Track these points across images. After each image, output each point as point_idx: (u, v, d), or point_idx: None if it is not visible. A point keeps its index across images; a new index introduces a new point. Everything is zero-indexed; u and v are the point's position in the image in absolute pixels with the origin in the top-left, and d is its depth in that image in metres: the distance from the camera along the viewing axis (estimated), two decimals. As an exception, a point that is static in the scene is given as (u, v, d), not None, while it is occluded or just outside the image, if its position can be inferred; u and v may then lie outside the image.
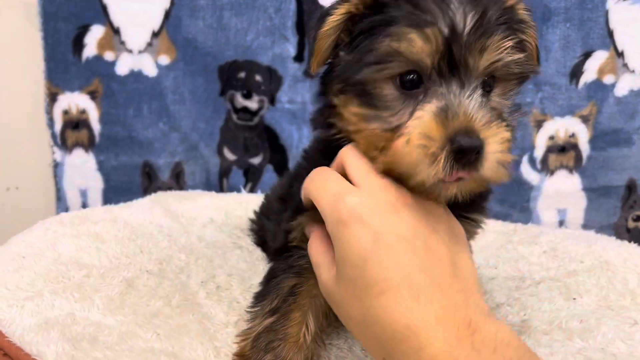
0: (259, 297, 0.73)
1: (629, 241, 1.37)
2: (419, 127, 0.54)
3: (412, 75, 0.57)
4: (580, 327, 0.78)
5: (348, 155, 0.61)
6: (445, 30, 0.55)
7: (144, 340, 0.72)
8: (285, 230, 0.72)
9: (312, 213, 0.64)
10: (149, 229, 1.02)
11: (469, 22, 0.55)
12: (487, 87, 0.60)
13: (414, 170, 0.54)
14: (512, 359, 0.47)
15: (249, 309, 0.73)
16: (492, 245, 1.13)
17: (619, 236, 1.46)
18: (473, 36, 0.55)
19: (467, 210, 0.67)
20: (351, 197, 0.56)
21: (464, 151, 0.52)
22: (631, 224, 1.46)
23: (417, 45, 0.55)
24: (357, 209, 0.55)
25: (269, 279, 0.73)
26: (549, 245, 1.08)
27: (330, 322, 0.73)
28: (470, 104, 0.55)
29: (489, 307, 0.55)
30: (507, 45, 0.57)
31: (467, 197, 0.58)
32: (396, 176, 0.58)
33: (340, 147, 0.63)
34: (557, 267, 0.99)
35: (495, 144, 0.54)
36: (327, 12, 0.61)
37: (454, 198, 0.57)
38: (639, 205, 1.44)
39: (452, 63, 0.56)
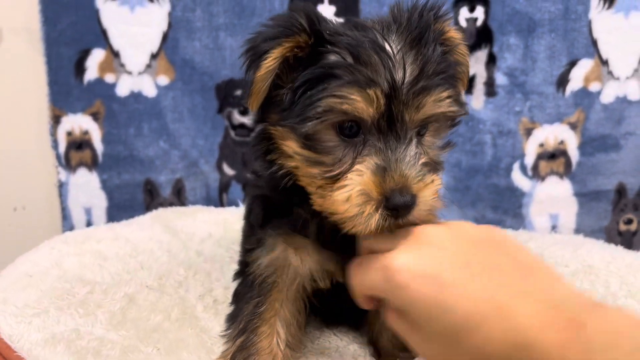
0: (229, 320, 0.78)
1: (621, 244, 1.41)
2: (359, 185, 0.58)
3: (351, 124, 0.60)
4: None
5: (366, 242, 0.62)
6: (386, 87, 0.58)
7: (145, 355, 0.76)
8: (243, 257, 0.78)
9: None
10: (149, 245, 1.07)
11: (409, 76, 0.58)
12: (422, 131, 0.64)
13: (351, 222, 0.59)
14: (633, 348, 0.43)
15: (222, 334, 0.78)
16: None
17: (611, 239, 1.49)
18: (412, 93, 0.59)
19: None
20: (394, 259, 0.55)
21: (398, 209, 0.58)
22: (622, 227, 1.49)
23: (359, 107, 0.58)
24: (404, 267, 0.54)
25: (235, 302, 0.79)
26: (537, 250, 1.11)
27: (303, 330, 0.78)
28: (404, 159, 0.59)
29: (583, 295, 0.51)
30: (444, 98, 0.61)
31: None
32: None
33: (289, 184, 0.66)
34: (544, 272, 1.02)
35: (426, 196, 0.59)
36: (262, 53, 0.62)
37: None
38: (630, 208, 1.48)
39: (390, 118, 0.59)
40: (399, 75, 0.58)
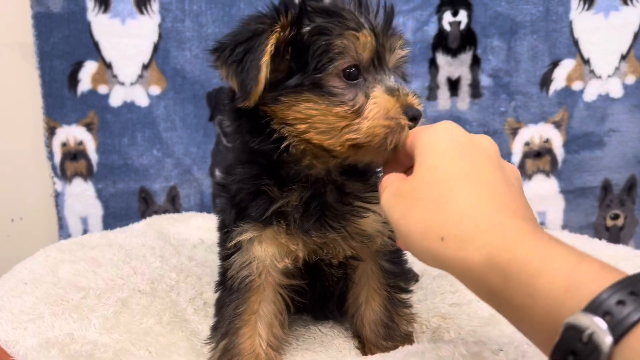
0: (213, 328, 0.81)
1: (609, 239, 1.44)
2: (382, 104, 0.66)
3: (352, 69, 0.68)
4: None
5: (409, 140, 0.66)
6: (372, 33, 0.69)
7: (137, 357, 0.78)
8: (222, 266, 0.81)
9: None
10: (142, 251, 1.09)
11: (382, 27, 0.71)
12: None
13: (385, 139, 0.65)
14: (581, 255, 0.45)
15: (207, 341, 0.81)
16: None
17: (599, 235, 1.52)
18: (386, 38, 0.71)
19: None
20: (441, 125, 0.60)
21: (416, 118, 0.66)
22: (609, 222, 1.51)
23: (361, 41, 0.68)
24: (445, 131, 0.58)
25: (218, 310, 0.81)
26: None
27: (286, 329, 0.81)
28: (401, 86, 0.70)
29: None
30: (404, 47, 0.74)
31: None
32: (356, 150, 0.67)
33: (280, 155, 0.71)
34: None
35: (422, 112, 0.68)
36: (260, 44, 0.67)
37: None
38: (616, 204, 1.50)
39: (379, 58, 0.70)
40: (376, 25, 0.70)
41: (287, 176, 0.74)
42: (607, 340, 0.38)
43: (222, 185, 0.84)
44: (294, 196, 0.74)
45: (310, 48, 0.68)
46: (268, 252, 0.75)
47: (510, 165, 0.60)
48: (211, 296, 0.96)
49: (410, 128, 0.65)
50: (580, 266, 0.43)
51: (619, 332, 0.38)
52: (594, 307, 0.40)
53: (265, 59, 0.66)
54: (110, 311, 0.88)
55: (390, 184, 0.60)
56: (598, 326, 0.39)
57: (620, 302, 0.39)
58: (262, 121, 0.71)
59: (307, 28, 0.69)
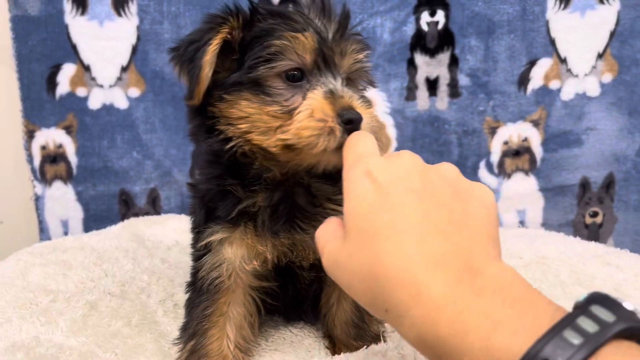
0: (182, 329, 0.81)
1: (588, 237, 1.45)
2: (314, 105, 0.66)
3: (295, 72, 0.69)
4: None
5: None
6: (315, 34, 0.69)
7: (102, 360, 0.78)
8: (193, 267, 0.81)
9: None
10: (115, 254, 1.09)
11: (331, 32, 0.70)
12: (349, 83, 0.73)
13: (313, 143, 0.64)
14: (514, 300, 0.45)
15: (175, 341, 0.81)
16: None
17: (578, 232, 1.53)
18: (336, 42, 0.70)
19: None
20: (369, 159, 0.57)
21: (352, 122, 0.64)
22: (588, 220, 1.52)
23: (301, 42, 0.68)
24: (370, 168, 0.56)
25: (187, 311, 0.81)
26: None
27: (256, 330, 0.80)
28: (344, 89, 0.69)
29: (498, 255, 0.52)
30: (360, 50, 0.73)
31: None
32: (291, 152, 0.67)
33: (232, 156, 0.71)
34: (499, 265, 1.05)
35: (368, 117, 0.67)
36: (205, 43, 0.68)
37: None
38: (594, 201, 1.51)
39: (325, 61, 0.69)
40: (323, 30, 0.70)
41: (248, 177, 0.74)
42: None
43: (192, 185, 0.84)
44: (260, 197, 0.74)
45: (251, 48, 0.69)
46: (237, 254, 0.75)
47: (478, 190, 0.56)
48: (182, 298, 0.95)
49: (348, 132, 0.63)
50: (494, 336, 0.43)
51: None
52: None
53: (207, 58, 0.68)
54: (78, 314, 0.88)
55: (327, 245, 0.58)
56: None
57: None
58: (211, 121, 0.71)
59: (255, 29, 0.70)
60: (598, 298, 0.43)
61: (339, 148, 0.63)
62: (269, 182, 0.74)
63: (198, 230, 0.78)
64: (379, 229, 0.51)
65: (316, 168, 0.70)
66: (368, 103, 0.73)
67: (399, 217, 0.51)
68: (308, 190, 0.76)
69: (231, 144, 0.70)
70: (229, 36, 0.70)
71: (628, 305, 0.42)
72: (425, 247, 0.49)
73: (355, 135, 0.63)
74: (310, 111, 0.65)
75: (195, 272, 0.80)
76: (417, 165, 0.56)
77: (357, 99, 0.68)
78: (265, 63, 0.67)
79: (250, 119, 0.68)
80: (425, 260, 0.48)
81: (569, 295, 0.91)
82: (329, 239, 0.58)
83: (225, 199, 0.75)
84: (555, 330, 0.40)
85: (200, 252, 0.77)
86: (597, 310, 0.41)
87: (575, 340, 0.39)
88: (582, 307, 0.42)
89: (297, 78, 0.69)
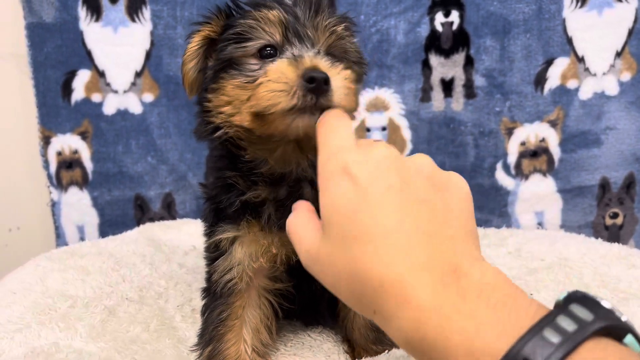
0: (200, 335, 0.80)
1: (608, 238, 1.42)
2: (275, 69, 0.65)
3: (268, 49, 0.69)
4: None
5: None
6: (289, 17, 0.69)
7: (122, 366, 0.78)
8: (207, 272, 0.81)
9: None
10: (132, 259, 1.09)
11: (306, 13, 0.70)
12: (333, 61, 0.70)
13: (275, 102, 0.63)
14: (497, 301, 0.45)
15: (193, 348, 0.80)
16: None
17: (598, 234, 1.50)
18: (310, 19, 0.70)
19: None
20: (347, 152, 0.56)
21: (314, 80, 0.62)
22: (608, 221, 1.49)
23: (267, 17, 0.69)
24: (347, 163, 0.55)
25: (204, 316, 0.80)
26: (514, 246, 1.13)
27: (274, 334, 0.79)
28: (315, 55, 0.67)
29: (481, 254, 0.52)
30: (339, 25, 0.72)
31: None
32: (262, 122, 0.66)
33: (226, 146, 0.73)
34: (520, 266, 1.03)
35: (339, 78, 0.65)
36: (189, 42, 0.74)
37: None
38: (615, 202, 1.48)
39: (298, 36, 0.69)
40: (299, 11, 0.70)
41: (244, 169, 0.74)
42: None
43: (203, 185, 0.85)
44: (264, 191, 0.74)
45: (227, 36, 0.71)
46: (246, 253, 0.74)
47: (455, 180, 0.57)
48: (200, 303, 0.94)
49: (312, 91, 0.62)
50: (478, 337, 0.43)
51: None
52: None
53: (187, 54, 0.74)
54: (97, 319, 0.88)
55: (301, 234, 0.58)
56: None
57: None
58: (206, 115, 0.73)
59: (232, 22, 0.72)
60: (577, 297, 0.44)
61: (306, 110, 0.63)
62: (269, 176, 0.74)
63: (210, 232, 0.78)
64: (360, 231, 0.51)
65: (287, 136, 0.68)
66: (346, 70, 0.69)
67: (380, 220, 0.51)
68: (313, 184, 0.75)
69: (219, 132, 0.72)
70: (212, 34, 0.74)
71: (606, 304, 0.43)
72: (409, 251, 0.49)
73: (328, 119, 0.61)
74: (270, 75, 0.65)
75: (209, 277, 0.80)
76: (394, 159, 0.55)
77: (325, 62, 0.66)
78: (235, 43, 0.69)
79: (229, 99, 0.70)
80: (410, 265, 0.48)
81: (593, 298, 0.89)
82: (305, 233, 0.58)
83: (229, 192, 0.75)
84: (535, 330, 0.41)
85: (212, 254, 0.77)
86: (576, 309, 0.42)
87: (555, 339, 0.40)
88: (562, 306, 0.43)
89: (271, 55, 0.69)
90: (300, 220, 0.59)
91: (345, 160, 0.54)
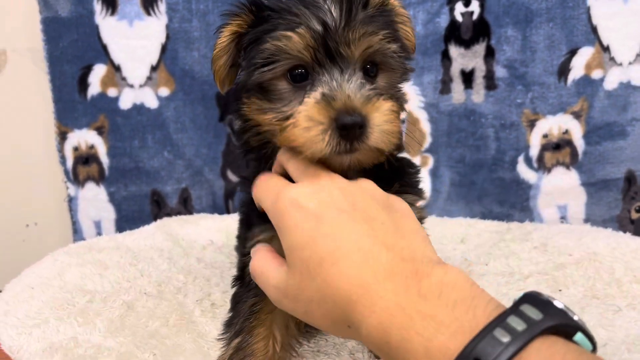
0: (227, 324, 0.78)
1: (634, 232, 1.38)
2: (305, 111, 0.61)
3: (299, 70, 0.65)
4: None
5: (283, 157, 0.67)
6: (319, 28, 0.63)
7: (141, 361, 0.76)
8: (241, 261, 0.79)
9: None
10: (150, 253, 1.08)
11: (338, 20, 0.64)
12: (371, 73, 0.68)
13: (306, 147, 0.61)
14: (456, 301, 0.47)
15: (219, 337, 0.78)
16: (486, 243, 1.15)
17: (624, 228, 1.46)
18: (343, 31, 0.63)
19: (400, 192, 0.72)
20: (289, 189, 0.61)
21: (347, 127, 0.59)
22: (634, 215, 1.45)
23: (293, 41, 0.63)
24: (295, 198, 0.59)
25: (233, 306, 0.79)
26: (540, 240, 1.10)
27: (301, 330, 0.77)
28: (349, 85, 0.62)
29: (439, 258, 0.56)
30: (376, 35, 0.65)
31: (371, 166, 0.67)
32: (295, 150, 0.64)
33: (270, 152, 0.71)
34: (546, 261, 1.00)
35: (378, 116, 0.61)
36: (219, 37, 0.70)
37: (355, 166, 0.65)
38: (641, 196, 1.44)
39: (330, 55, 0.64)
40: (329, 19, 0.64)
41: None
42: None
43: (244, 178, 0.84)
44: None
45: (251, 49, 0.68)
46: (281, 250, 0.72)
47: (395, 200, 0.64)
48: (219, 297, 0.94)
49: (346, 138, 0.60)
50: (436, 337, 0.45)
51: None
52: None
53: (217, 52, 0.71)
54: (115, 314, 0.87)
55: (267, 274, 0.62)
56: None
57: None
58: (244, 121, 0.72)
59: (258, 28, 0.68)
60: (529, 297, 0.45)
61: (341, 153, 0.61)
62: None
63: (247, 227, 0.77)
64: (322, 256, 0.54)
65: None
66: (385, 95, 0.66)
67: (339, 241, 0.55)
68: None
69: (258, 137, 0.71)
70: (241, 29, 0.70)
71: (558, 304, 0.45)
72: (371, 262, 0.53)
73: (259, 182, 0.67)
74: (300, 119, 0.61)
75: (243, 267, 0.78)
76: (338, 184, 0.60)
77: (361, 95, 0.62)
78: (262, 67, 0.65)
79: (260, 122, 0.68)
80: (373, 275, 0.52)
81: (625, 294, 0.87)
82: (270, 273, 0.62)
83: None
84: (487, 330, 0.43)
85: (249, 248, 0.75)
86: (527, 309, 0.44)
87: (504, 338, 0.41)
88: (513, 307, 0.45)
89: (302, 77, 0.65)
90: (262, 262, 0.64)
91: (291, 195, 0.59)
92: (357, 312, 0.52)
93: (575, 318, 0.44)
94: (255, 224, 0.74)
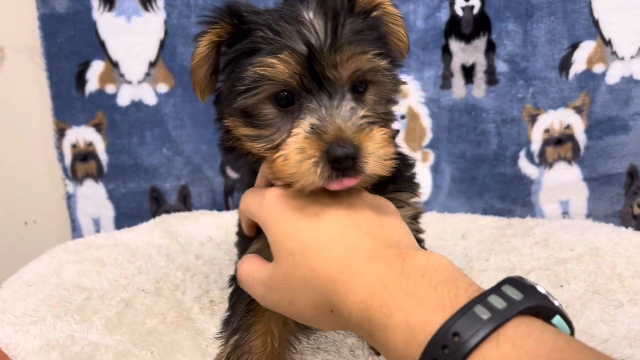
0: (225, 322, 0.78)
1: (637, 227, 1.37)
2: (295, 144, 0.60)
3: (285, 94, 0.63)
4: (565, 312, 0.80)
5: (262, 168, 0.69)
6: (303, 50, 0.60)
7: (139, 358, 0.76)
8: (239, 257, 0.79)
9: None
10: (148, 250, 1.07)
11: (323, 39, 0.60)
12: (360, 90, 0.65)
13: (295, 179, 0.60)
14: (438, 281, 0.49)
15: (218, 335, 0.77)
16: (487, 239, 1.14)
17: (626, 223, 1.44)
18: (329, 52, 0.60)
19: (394, 191, 0.73)
20: (274, 189, 0.63)
21: (339, 160, 0.58)
22: (637, 210, 1.44)
23: (278, 69, 0.60)
24: (280, 193, 0.62)
25: (231, 304, 0.78)
26: (541, 236, 1.09)
27: (300, 326, 0.76)
28: (339, 112, 0.60)
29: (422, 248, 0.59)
30: (365, 55, 0.62)
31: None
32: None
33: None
34: (548, 257, 0.99)
35: (372, 144, 0.60)
36: (197, 45, 0.67)
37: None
38: (643, 191, 1.43)
39: (316, 79, 0.61)
40: (313, 37, 0.60)
41: None
42: None
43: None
44: None
45: (232, 69, 0.65)
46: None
47: (380, 199, 0.66)
48: (218, 294, 0.93)
49: (339, 170, 0.58)
50: (417, 312, 0.47)
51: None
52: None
53: (196, 62, 0.68)
54: (113, 312, 0.86)
55: (254, 274, 0.65)
56: None
57: (445, 347, 0.43)
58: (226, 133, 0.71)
59: (244, 44, 0.64)
60: (512, 280, 0.47)
61: (333, 179, 0.60)
62: None
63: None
64: (307, 246, 0.56)
65: None
66: (380, 121, 0.64)
67: (324, 232, 0.57)
68: None
69: (229, 143, 0.70)
70: (221, 39, 0.67)
71: (541, 289, 0.46)
72: (356, 248, 0.55)
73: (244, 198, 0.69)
74: (290, 153, 0.60)
75: None
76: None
77: (353, 124, 0.60)
78: (244, 93, 0.62)
79: (249, 150, 0.67)
80: (358, 257, 0.54)
81: (627, 290, 0.86)
82: (258, 272, 0.64)
83: None
84: (468, 307, 0.44)
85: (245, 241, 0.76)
86: (508, 289, 0.45)
87: (484, 315, 0.43)
88: (495, 287, 0.46)
89: (288, 101, 0.63)
90: (249, 263, 0.67)
91: (277, 193, 0.62)
92: (340, 293, 0.53)
93: (556, 303, 0.46)
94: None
